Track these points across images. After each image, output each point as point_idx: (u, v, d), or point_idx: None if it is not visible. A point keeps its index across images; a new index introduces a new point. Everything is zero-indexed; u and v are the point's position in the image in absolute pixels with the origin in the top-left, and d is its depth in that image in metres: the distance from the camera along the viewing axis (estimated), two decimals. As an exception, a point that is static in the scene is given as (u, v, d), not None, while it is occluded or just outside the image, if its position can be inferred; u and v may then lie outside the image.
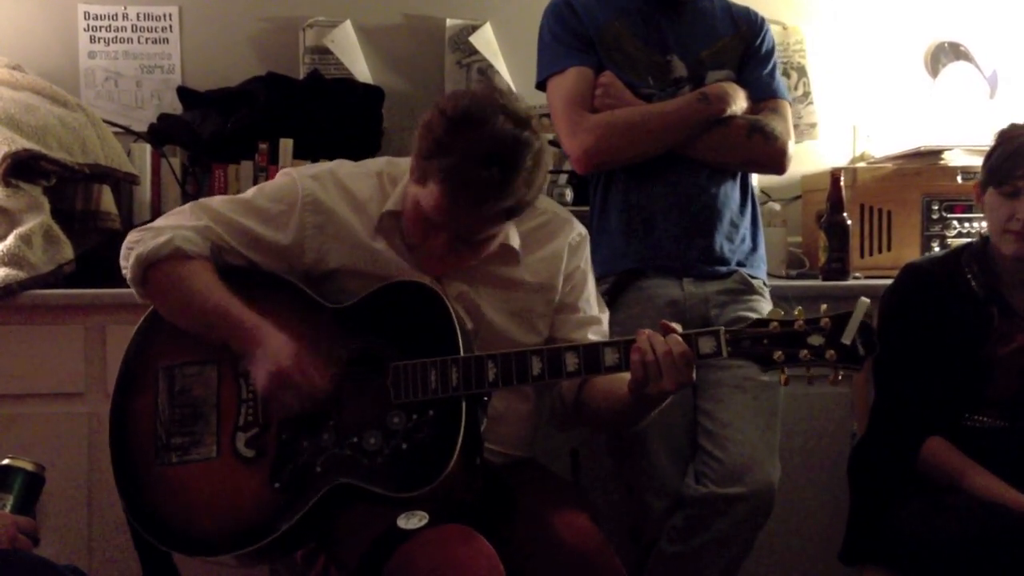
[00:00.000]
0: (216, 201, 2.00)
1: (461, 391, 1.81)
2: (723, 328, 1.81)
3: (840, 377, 1.78)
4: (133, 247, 1.94)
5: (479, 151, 1.76)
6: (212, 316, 1.88)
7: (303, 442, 1.85)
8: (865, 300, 1.76)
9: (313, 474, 1.83)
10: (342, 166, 2.03)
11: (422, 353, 1.84)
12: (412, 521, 1.73)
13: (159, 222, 1.99)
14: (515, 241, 1.99)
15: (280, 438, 1.87)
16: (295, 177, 2.00)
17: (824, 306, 1.80)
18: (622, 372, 1.82)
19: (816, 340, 1.76)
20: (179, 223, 1.95)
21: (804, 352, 1.76)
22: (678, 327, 1.83)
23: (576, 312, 2.08)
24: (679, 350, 1.77)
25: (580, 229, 2.11)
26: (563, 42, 2.42)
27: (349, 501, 1.82)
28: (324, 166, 2.04)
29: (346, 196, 1.97)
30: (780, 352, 1.77)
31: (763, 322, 1.80)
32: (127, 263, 1.94)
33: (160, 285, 1.92)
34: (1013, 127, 2.30)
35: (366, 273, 1.95)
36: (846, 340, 1.75)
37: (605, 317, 2.13)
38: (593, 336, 2.06)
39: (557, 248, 2.06)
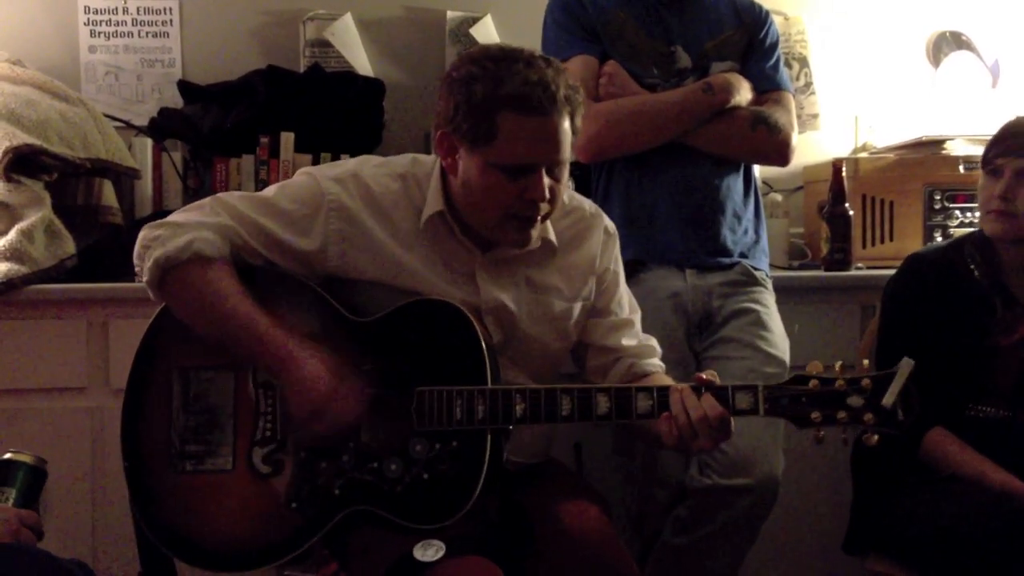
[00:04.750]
0: (235, 198, 1.92)
1: (487, 424, 1.77)
2: (761, 384, 1.75)
3: (876, 440, 1.72)
4: (151, 245, 1.84)
5: (527, 60, 1.79)
6: (236, 328, 1.80)
7: (321, 463, 1.81)
8: (910, 361, 1.71)
9: (331, 497, 1.80)
10: (364, 166, 1.94)
11: (448, 378, 1.79)
12: (428, 553, 1.70)
13: (177, 217, 1.89)
14: (552, 235, 1.95)
15: (298, 456, 1.83)
16: (317, 178, 1.91)
17: (866, 362, 1.78)
18: (654, 419, 1.77)
19: (856, 401, 1.71)
20: (198, 220, 1.86)
21: (842, 414, 1.71)
22: (715, 378, 1.77)
23: (608, 315, 2.03)
24: (714, 414, 1.73)
25: (608, 224, 2.07)
26: (567, 30, 2.41)
27: (366, 525, 1.80)
28: (346, 167, 1.95)
29: (371, 202, 1.90)
30: (817, 413, 1.72)
31: (803, 379, 1.75)
32: (143, 264, 1.85)
33: (180, 290, 1.83)
34: (1016, 117, 2.32)
35: (390, 285, 1.89)
36: (887, 403, 1.69)
37: (637, 317, 2.07)
38: (627, 341, 2.02)
39: (590, 250, 2.02)
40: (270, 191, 1.94)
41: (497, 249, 1.93)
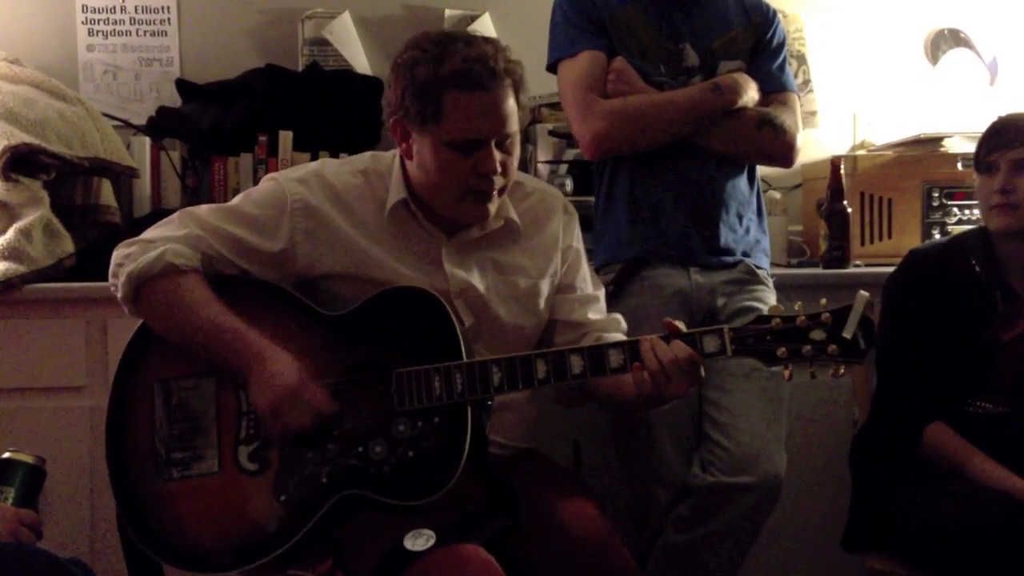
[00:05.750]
0: (204, 210, 1.97)
1: (466, 397, 1.80)
2: (726, 327, 1.80)
3: (842, 372, 1.78)
4: (123, 263, 1.90)
5: (466, 39, 1.87)
6: (210, 334, 1.85)
7: (307, 453, 1.83)
8: (864, 293, 1.76)
9: (319, 485, 1.82)
10: (326, 165, 2.02)
11: (424, 359, 1.82)
12: (419, 542, 1.70)
13: (148, 234, 1.94)
14: (514, 216, 2.01)
15: (283, 450, 1.85)
16: (280, 181, 1.97)
17: (824, 300, 1.80)
18: (627, 373, 1.81)
19: (818, 335, 1.77)
20: (168, 234, 1.91)
21: (807, 347, 1.77)
22: (681, 326, 1.82)
23: (573, 292, 2.08)
24: (684, 355, 1.77)
25: (567, 204, 2.13)
26: (576, 25, 2.41)
27: (356, 510, 1.81)
28: (308, 168, 2.02)
29: (335, 198, 1.95)
30: (783, 348, 1.77)
31: (765, 318, 1.80)
32: (117, 280, 1.91)
33: (153, 303, 1.88)
34: (1000, 116, 2.33)
35: (359, 278, 1.93)
36: (847, 334, 1.75)
37: (601, 293, 2.14)
38: (593, 315, 2.07)
39: (553, 230, 2.07)
40: (236, 199, 2.00)
41: (462, 233, 1.99)
